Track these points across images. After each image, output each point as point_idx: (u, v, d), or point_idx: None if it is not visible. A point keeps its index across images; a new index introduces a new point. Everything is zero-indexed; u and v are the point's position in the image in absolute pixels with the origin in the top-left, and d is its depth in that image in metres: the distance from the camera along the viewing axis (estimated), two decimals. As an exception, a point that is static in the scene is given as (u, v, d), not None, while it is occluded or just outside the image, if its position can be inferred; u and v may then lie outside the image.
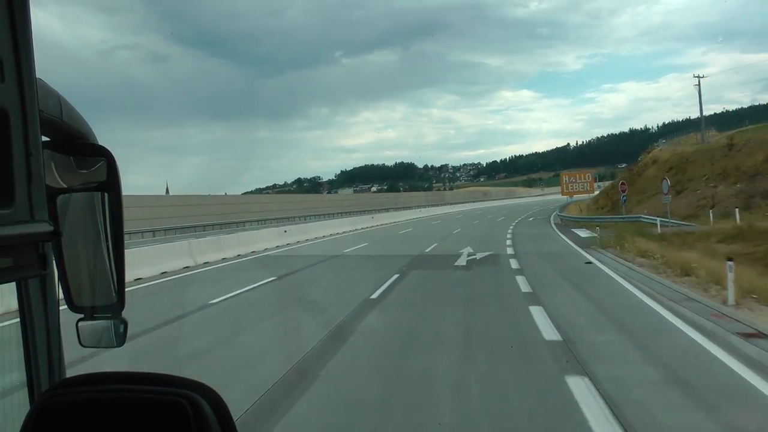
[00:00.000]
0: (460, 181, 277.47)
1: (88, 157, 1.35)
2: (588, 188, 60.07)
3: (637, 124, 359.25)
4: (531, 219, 48.55)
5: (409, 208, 75.18)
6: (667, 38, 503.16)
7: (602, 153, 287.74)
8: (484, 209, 79.32)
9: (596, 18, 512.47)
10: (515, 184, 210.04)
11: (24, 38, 1.03)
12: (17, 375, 1.22)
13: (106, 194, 1.29)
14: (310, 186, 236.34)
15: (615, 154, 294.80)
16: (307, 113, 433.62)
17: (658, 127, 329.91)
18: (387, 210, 71.54)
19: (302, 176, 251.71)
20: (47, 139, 1.24)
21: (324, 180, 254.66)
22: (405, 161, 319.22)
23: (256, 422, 5.06)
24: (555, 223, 40.20)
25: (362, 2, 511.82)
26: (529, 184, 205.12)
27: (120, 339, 1.35)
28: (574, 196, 60.41)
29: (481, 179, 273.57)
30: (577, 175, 61.94)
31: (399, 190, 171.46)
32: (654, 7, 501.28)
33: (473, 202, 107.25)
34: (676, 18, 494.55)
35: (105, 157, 1.30)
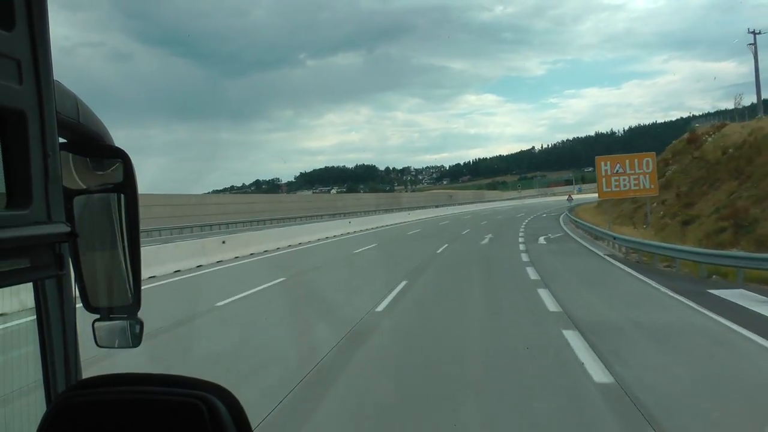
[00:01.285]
0: (423, 183, 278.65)
1: (104, 159, 1.38)
2: (648, 184, 32.78)
3: (601, 129, 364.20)
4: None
5: (346, 215, 61.33)
6: (629, 45, 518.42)
7: (568, 156, 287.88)
8: (454, 217, 60.16)
9: (560, 24, 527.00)
10: (479, 187, 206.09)
11: (42, 41, 1.06)
12: (34, 375, 1.24)
13: (122, 195, 1.32)
14: (268, 188, 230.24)
15: (582, 157, 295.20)
16: (271, 115, 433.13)
17: (624, 130, 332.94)
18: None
19: (261, 178, 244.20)
20: (64, 140, 1.26)
21: (283, 182, 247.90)
22: (366, 163, 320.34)
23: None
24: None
25: (328, 4, 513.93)
26: (494, 187, 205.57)
27: (136, 339, 1.37)
28: (572, 197, 59.45)
29: (444, 182, 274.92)
30: (626, 160, 33.87)
31: (359, 192, 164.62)
32: (617, 14, 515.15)
33: (436, 207, 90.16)
34: (638, 25, 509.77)
35: (121, 158, 1.33)
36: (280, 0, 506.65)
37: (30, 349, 1.26)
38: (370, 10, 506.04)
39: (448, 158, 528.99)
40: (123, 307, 1.36)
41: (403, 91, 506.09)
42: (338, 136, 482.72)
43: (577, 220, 36.49)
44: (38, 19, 1.05)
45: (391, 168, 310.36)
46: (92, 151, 1.37)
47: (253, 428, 0.93)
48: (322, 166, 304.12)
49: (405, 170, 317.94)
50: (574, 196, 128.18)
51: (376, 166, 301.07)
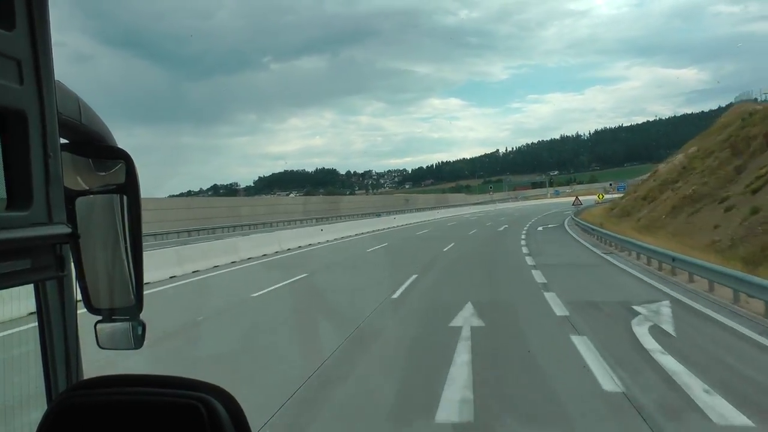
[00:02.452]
0: (385, 188, 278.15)
1: (106, 160, 1.39)
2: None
3: (566, 132, 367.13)
4: None
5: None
6: (593, 51, 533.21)
7: (533, 160, 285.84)
8: (404, 236, 37.60)
9: (525, 29, 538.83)
10: (443, 191, 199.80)
11: (43, 41, 1.08)
12: (35, 376, 1.26)
13: (124, 196, 1.33)
14: (226, 192, 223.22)
15: (546, 161, 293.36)
16: (234, 119, 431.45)
17: (589, 133, 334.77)
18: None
19: (219, 182, 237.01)
20: (66, 141, 1.28)
21: (242, 186, 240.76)
22: (327, 167, 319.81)
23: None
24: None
25: (292, 7, 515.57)
26: (458, 190, 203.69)
27: (138, 341, 1.39)
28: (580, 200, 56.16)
29: (407, 186, 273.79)
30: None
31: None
32: (581, 20, 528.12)
33: (378, 214, 71.19)
34: (602, 32, 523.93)
35: (124, 159, 1.35)
36: (244, 2, 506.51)
37: (31, 350, 1.27)
38: (335, 13, 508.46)
39: (411, 162, 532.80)
40: (125, 308, 1.37)
41: (367, 95, 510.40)
42: (302, 141, 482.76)
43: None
44: (39, 20, 1.06)
45: (352, 172, 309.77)
46: (94, 152, 1.38)
47: (252, 429, 0.94)
48: (282, 170, 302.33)
49: (366, 174, 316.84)
50: (553, 200, 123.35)
51: (337, 170, 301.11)
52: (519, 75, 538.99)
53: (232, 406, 0.92)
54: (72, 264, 1.25)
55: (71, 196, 1.27)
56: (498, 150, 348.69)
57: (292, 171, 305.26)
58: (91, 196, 1.35)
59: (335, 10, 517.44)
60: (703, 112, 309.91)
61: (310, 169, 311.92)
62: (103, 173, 1.39)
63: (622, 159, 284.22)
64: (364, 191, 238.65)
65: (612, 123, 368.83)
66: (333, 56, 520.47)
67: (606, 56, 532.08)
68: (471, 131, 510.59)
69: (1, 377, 1.46)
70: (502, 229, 40.32)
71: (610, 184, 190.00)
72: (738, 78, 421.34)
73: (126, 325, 1.39)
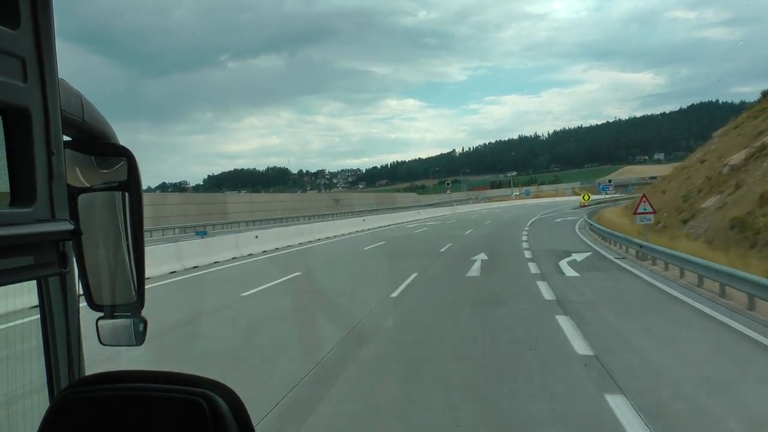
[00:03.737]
0: (338, 187, 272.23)
1: (109, 157, 1.41)
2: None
3: (524, 134, 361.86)
4: None
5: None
6: (550, 54, 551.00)
7: (491, 160, 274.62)
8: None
9: (483, 31, 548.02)
10: (397, 191, 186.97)
11: (47, 39, 1.10)
12: (37, 372, 1.28)
13: (126, 194, 1.35)
14: (174, 190, 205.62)
15: (504, 161, 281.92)
16: (191, 117, 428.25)
17: (548, 134, 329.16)
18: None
19: (168, 180, 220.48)
20: (69, 138, 1.30)
21: (191, 185, 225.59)
22: (279, 166, 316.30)
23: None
24: None
25: (251, 5, 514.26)
26: (412, 190, 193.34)
27: (139, 338, 1.40)
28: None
29: (360, 186, 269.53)
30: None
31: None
32: (539, 23, 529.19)
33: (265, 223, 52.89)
34: (560, 35, 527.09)
35: (126, 157, 1.36)
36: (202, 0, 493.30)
37: (33, 347, 1.29)
38: (293, 12, 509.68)
39: (368, 163, 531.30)
40: (127, 305, 1.38)
41: (325, 95, 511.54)
42: (259, 140, 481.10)
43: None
44: (43, 18, 1.09)
45: (304, 171, 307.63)
46: (97, 150, 1.40)
47: (254, 425, 0.95)
48: (232, 169, 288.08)
49: (319, 173, 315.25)
50: (519, 201, 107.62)
51: (289, 169, 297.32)
52: (476, 76, 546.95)
53: (234, 402, 0.92)
54: (74, 260, 1.26)
55: (74, 193, 1.28)
56: (454, 150, 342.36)
57: (242, 170, 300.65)
58: (94, 193, 1.36)
59: (293, 9, 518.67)
60: (664, 113, 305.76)
61: (262, 168, 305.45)
62: (106, 170, 1.40)
63: (582, 160, 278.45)
64: (316, 191, 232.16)
65: (569, 125, 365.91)
66: (291, 55, 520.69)
67: (563, 59, 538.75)
68: (428, 132, 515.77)
69: (3, 373, 1.44)
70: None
71: (580, 184, 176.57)
72: (693, 82, 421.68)
73: (127, 321, 1.40)
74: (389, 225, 46.15)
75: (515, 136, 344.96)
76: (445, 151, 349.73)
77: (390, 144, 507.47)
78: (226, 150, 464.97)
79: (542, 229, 35.61)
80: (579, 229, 33.23)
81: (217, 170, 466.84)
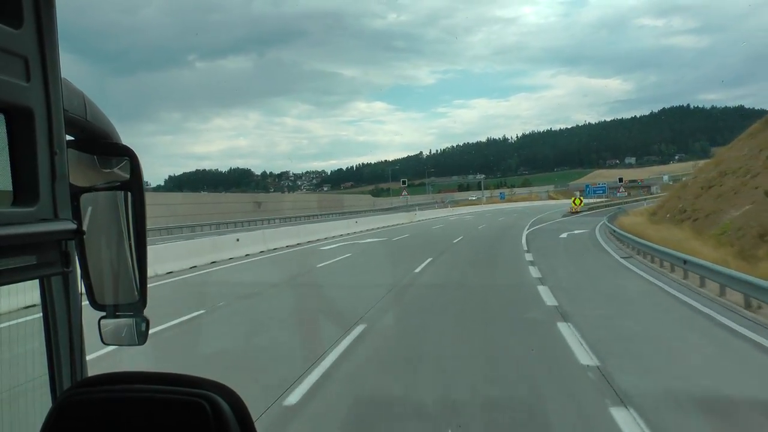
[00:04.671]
0: (302, 189, 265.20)
1: (112, 157, 1.42)
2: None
3: (493, 135, 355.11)
4: None
5: None
6: (519, 59, 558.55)
7: (458, 162, 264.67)
8: None
9: (452, 34, 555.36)
10: (361, 193, 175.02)
11: (50, 39, 1.11)
12: (39, 372, 1.29)
13: (129, 193, 1.36)
14: None
15: (472, 163, 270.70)
16: (158, 117, 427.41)
17: (517, 137, 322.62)
18: None
19: None
20: (72, 138, 1.31)
21: (152, 185, 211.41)
22: (242, 167, 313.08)
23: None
24: None
25: (219, 5, 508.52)
26: (377, 194, 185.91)
27: (142, 337, 1.41)
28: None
29: (325, 188, 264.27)
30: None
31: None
32: (509, 27, 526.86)
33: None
34: (529, 40, 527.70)
35: (129, 156, 1.38)
36: None
37: (36, 346, 1.29)
38: (262, 13, 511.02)
39: (336, 165, 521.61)
40: (129, 304, 1.39)
41: (293, 97, 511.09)
42: (226, 142, 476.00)
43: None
44: (46, 18, 1.09)
45: (267, 172, 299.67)
46: (99, 149, 1.40)
47: (255, 427, 0.96)
48: (194, 170, 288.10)
49: (283, 175, 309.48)
50: (491, 206, 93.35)
51: (252, 170, 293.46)
52: (445, 80, 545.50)
53: (236, 404, 0.93)
54: (77, 260, 1.27)
55: (76, 192, 1.29)
56: (422, 152, 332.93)
57: (204, 170, 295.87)
58: (96, 192, 1.37)
59: (262, 9, 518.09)
60: (635, 117, 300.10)
61: (224, 169, 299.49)
62: (108, 170, 1.41)
63: (552, 163, 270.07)
64: (279, 193, 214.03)
65: (538, 129, 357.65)
66: (259, 56, 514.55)
67: (532, 64, 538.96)
68: (397, 135, 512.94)
69: (6, 372, 1.46)
70: None
71: (555, 187, 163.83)
72: (661, 89, 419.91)
73: (130, 321, 1.40)
74: (285, 247, 26.97)
75: (484, 139, 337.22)
76: (412, 153, 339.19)
77: (359, 147, 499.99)
78: (194, 151, 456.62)
79: (562, 262, 19.90)
80: (625, 259, 20.20)
81: (178, 171, 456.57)
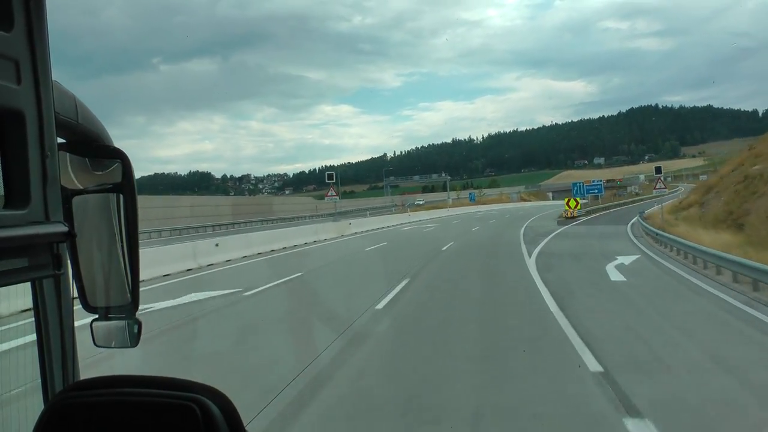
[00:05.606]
0: (263, 193, 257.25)
1: (103, 159, 1.41)
2: None
3: (459, 137, 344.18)
4: None
5: None
6: (484, 62, 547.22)
7: (423, 164, 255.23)
8: None
9: (418, 37, 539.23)
10: (321, 198, 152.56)
11: (40, 41, 1.10)
12: (31, 375, 1.29)
13: (120, 196, 1.36)
14: None
15: (437, 165, 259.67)
16: (122, 121, 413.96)
17: (483, 137, 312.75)
18: None
19: None
20: (63, 140, 1.31)
21: None
22: (201, 170, 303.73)
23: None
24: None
25: (183, 7, 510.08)
26: (341, 196, 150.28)
27: (134, 340, 1.41)
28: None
29: (287, 192, 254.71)
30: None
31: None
32: (474, 30, 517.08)
33: None
34: (494, 42, 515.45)
35: (120, 158, 1.37)
36: (134, 0, 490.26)
37: (28, 349, 1.29)
38: (227, 16, 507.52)
39: (301, 168, 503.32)
40: (121, 307, 1.38)
41: (258, 100, 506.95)
42: (191, 145, 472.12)
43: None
44: (36, 20, 1.08)
45: (228, 176, 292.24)
46: (91, 152, 1.39)
47: (247, 429, 0.96)
48: (152, 173, 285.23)
49: (244, 178, 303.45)
50: (458, 210, 77.22)
51: (212, 173, 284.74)
52: (410, 83, 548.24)
53: (227, 407, 0.93)
54: (68, 262, 1.27)
55: (68, 195, 1.28)
56: (386, 154, 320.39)
57: (162, 174, 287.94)
58: (88, 195, 1.36)
59: (227, 12, 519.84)
60: (603, 117, 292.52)
61: (184, 172, 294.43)
62: (100, 172, 1.39)
63: (519, 164, 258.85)
64: (240, 196, 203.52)
65: (504, 130, 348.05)
66: (224, 60, 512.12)
67: (497, 67, 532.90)
68: (362, 138, 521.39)
69: None
70: None
71: (525, 188, 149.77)
72: (625, 91, 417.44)
73: (122, 323, 1.39)
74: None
75: (449, 140, 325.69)
76: (376, 155, 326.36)
77: (324, 150, 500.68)
78: (158, 155, 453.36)
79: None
80: None
81: (137, 175, 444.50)
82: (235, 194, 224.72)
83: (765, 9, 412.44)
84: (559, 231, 34.01)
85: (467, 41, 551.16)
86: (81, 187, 1.36)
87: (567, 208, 46.89)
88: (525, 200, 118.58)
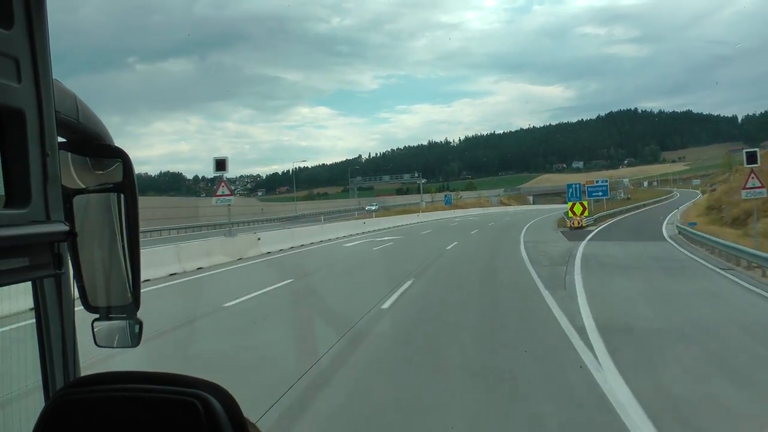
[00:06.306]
0: (235, 194, 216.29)
1: (104, 158, 1.40)
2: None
3: (434, 139, 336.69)
4: None
5: None
6: (462, 65, 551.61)
7: (398, 166, 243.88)
8: None
9: (396, 39, 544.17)
10: (293, 200, 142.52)
11: (41, 39, 1.08)
12: (32, 374, 1.27)
13: (121, 195, 1.35)
14: None
15: (412, 166, 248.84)
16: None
17: (459, 140, 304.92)
18: None
19: None
20: (64, 140, 1.30)
21: None
22: (171, 171, 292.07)
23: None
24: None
25: (160, 6, 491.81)
26: (311, 198, 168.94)
27: (135, 339, 1.40)
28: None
29: (260, 193, 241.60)
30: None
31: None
32: (452, 33, 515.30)
33: None
34: (472, 45, 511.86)
35: (121, 158, 1.36)
36: None
37: (29, 349, 1.27)
38: (204, 16, 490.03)
39: (277, 170, 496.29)
40: (122, 306, 1.36)
41: (235, 101, 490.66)
42: (167, 146, 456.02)
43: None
44: (37, 18, 1.07)
45: (200, 177, 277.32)
46: (92, 151, 1.37)
47: (248, 425, 0.96)
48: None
49: (216, 179, 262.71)
50: (436, 213, 63.66)
51: (183, 174, 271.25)
52: (388, 85, 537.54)
53: (229, 403, 0.91)
54: (69, 262, 1.26)
55: (69, 194, 1.26)
56: (360, 156, 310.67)
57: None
58: (89, 194, 1.34)
59: (204, 12, 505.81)
60: (581, 121, 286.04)
61: (154, 173, 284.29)
62: (101, 172, 1.38)
63: (496, 167, 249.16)
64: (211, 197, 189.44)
65: (481, 133, 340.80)
66: (201, 60, 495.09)
67: (475, 70, 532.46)
68: (339, 140, 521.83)
69: None
70: None
71: (504, 191, 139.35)
72: (602, 97, 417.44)
73: (123, 323, 1.38)
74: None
75: (425, 142, 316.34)
76: (351, 157, 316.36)
77: (301, 152, 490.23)
78: (134, 156, 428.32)
79: None
80: None
81: None
82: (206, 195, 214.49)
83: (741, 18, 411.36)
84: (580, 253, 21.32)
85: (445, 44, 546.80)
86: (82, 187, 1.33)
87: (571, 215, 35.60)
88: (505, 204, 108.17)
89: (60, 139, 1.18)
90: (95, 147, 1.37)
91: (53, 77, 1.11)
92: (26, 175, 1.03)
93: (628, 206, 62.39)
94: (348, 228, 37.49)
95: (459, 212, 73.91)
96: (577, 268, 17.13)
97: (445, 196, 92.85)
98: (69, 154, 1.32)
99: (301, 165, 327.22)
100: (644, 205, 64.46)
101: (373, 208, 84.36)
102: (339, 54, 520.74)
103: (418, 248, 26.40)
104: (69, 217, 1.22)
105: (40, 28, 1.05)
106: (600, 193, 47.00)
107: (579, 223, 35.83)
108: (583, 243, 26.08)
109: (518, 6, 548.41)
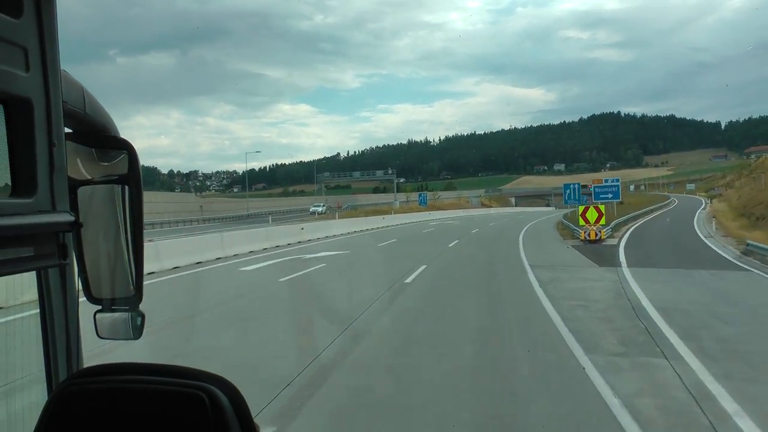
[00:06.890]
0: (210, 190, 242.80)
1: (109, 150, 1.39)
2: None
3: (415, 138, 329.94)
4: None
5: None
6: (444, 65, 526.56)
7: (378, 164, 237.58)
8: None
9: (379, 38, 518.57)
10: (270, 196, 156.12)
11: (49, 29, 1.09)
12: (36, 365, 1.27)
13: (126, 187, 1.34)
14: None
15: (390, 165, 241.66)
16: None
17: (440, 140, 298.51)
18: None
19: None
20: (70, 130, 1.29)
21: None
22: (146, 165, 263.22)
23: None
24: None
25: None
26: (286, 195, 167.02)
27: (137, 332, 1.40)
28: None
29: (235, 189, 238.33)
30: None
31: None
32: (435, 33, 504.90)
33: None
34: (455, 46, 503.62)
35: (127, 150, 1.35)
36: None
37: (32, 339, 1.27)
38: (186, 9, 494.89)
39: (256, 167, 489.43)
40: (125, 298, 1.35)
41: (216, 97, 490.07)
42: (147, 140, 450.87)
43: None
44: (46, 8, 1.07)
45: (175, 171, 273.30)
46: (98, 142, 1.36)
47: (254, 418, 0.94)
48: None
49: (191, 174, 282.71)
50: (410, 214, 53.63)
51: (158, 168, 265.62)
52: (370, 84, 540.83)
53: (235, 396, 0.90)
54: (74, 253, 1.26)
55: (74, 185, 1.25)
56: (339, 153, 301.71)
57: None
58: (94, 185, 1.33)
59: (186, 6, 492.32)
60: (564, 123, 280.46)
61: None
62: (106, 163, 1.36)
63: (477, 168, 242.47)
64: (186, 193, 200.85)
65: (461, 133, 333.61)
66: (182, 54, 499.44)
67: (457, 71, 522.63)
68: (320, 138, 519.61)
69: (2, 365, 1.43)
70: None
71: (485, 191, 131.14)
72: (583, 101, 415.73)
73: (125, 315, 1.36)
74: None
75: (405, 141, 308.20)
76: (330, 155, 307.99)
77: (281, 149, 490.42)
78: None
79: None
80: None
81: None
82: (181, 191, 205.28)
83: (724, 26, 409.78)
84: (647, 303, 10.38)
85: (428, 44, 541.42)
86: (87, 178, 1.32)
87: (583, 223, 26.30)
88: (486, 206, 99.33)
89: (66, 130, 1.16)
90: (101, 138, 1.35)
91: (61, 67, 1.09)
92: (33, 164, 1.02)
93: (630, 213, 52.62)
94: (288, 236, 26.22)
95: (436, 214, 64.59)
96: (691, 360, 6.75)
97: (419, 195, 78.04)
98: (75, 144, 1.30)
99: (279, 162, 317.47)
100: (651, 211, 56.05)
101: (320, 209, 70.80)
102: (322, 52, 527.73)
103: (351, 284, 13.64)
104: (74, 208, 1.20)
105: (49, 18, 1.04)
106: (610, 195, 37.81)
107: (597, 234, 26.60)
108: (626, 272, 15.16)
109: (502, 7, 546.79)
